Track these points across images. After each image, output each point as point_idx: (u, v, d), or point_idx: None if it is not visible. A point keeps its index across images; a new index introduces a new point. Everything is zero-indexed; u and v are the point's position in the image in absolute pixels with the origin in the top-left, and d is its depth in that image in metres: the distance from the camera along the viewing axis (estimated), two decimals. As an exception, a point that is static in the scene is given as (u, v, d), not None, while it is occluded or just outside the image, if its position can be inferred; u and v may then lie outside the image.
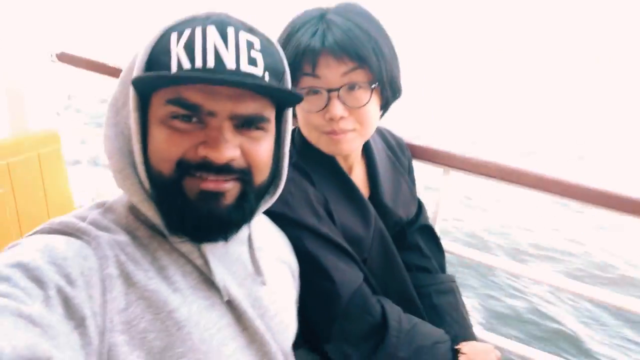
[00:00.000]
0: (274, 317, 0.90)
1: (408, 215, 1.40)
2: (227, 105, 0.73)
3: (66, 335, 0.60)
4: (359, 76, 1.09)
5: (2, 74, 2.00)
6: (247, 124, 0.77)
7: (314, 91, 1.11)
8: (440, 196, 1.58)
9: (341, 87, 1.08)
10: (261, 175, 0.81)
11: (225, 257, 0.85)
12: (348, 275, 1.13)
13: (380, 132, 1.46)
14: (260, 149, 0.79)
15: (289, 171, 0.95)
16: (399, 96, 1.23)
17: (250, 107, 0.75)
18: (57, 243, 0.69)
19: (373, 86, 1.10)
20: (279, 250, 1.04)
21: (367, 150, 1.33)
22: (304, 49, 1.08)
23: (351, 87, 1.09)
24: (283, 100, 0.83)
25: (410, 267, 1.45)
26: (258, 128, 0.78)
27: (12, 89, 2.03)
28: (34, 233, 0.73)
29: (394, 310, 1.18)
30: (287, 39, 1.12)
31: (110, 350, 0.65)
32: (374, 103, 1.14)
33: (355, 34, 1.06)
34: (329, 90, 1.09)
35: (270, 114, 0.81)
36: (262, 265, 0.90)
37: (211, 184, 0.74)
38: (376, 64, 1.08)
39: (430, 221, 1.55)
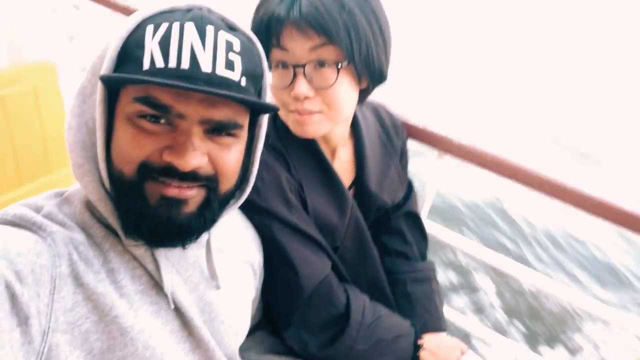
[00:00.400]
0: (223, 322, 0.90)
1: (394, 200, 1.35)
2: (198, 108, 0.69)
3: (8, 332, 0.60)
4: (329, 53, 0.98)
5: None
6: (218, 129, 0.73)
7: (283, 65, 1.01)
8: (431, 180, 1.52)
9: (307, 63, 0.98)
10: (228, 183, 0.78)
11: (180, 261, 0.84)
12: (313, 267, 1.11)
13: (376, 111, 1.36)
14: (230, 157, 0.76)
15: (263, 153, 0.90)
16: (382, 81, 1.10)
17: (222, 112, 0.71)
18: (12, 237, 0.68)
19: (340, 65, 0.98)
20: (243, 248, 1.01)
21: (355, 131, 1.24)
22: (269, 18, 0.97)
23: (320, 64, 0.98)
24: (258, 108, 0.79)
25: (389, 251, 1.43)
26: (229, 134, 0.75)
27: (7, 18, 1.96)
28: None
29: (358, 302, 1.17)
30: (260, 5, 1.02)
31: (51, 350, 0.66)
32: (345, 84, 1.02)
33: (325, 5, 0.93)
34: (295, 66, 0.99)
35: (244, 120, 0.77)
36: (219, 268, 0.89)
37: (174, 190, 0.72)
38: (346, 41, 0.95)
39: (419, 204, 1.50)
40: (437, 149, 1.43)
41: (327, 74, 0.99)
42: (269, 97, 0.86)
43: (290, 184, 1.10)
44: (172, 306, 0.80)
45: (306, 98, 1.00)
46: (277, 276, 1.11)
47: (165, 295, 0.80)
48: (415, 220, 1.44)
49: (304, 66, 0.98)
